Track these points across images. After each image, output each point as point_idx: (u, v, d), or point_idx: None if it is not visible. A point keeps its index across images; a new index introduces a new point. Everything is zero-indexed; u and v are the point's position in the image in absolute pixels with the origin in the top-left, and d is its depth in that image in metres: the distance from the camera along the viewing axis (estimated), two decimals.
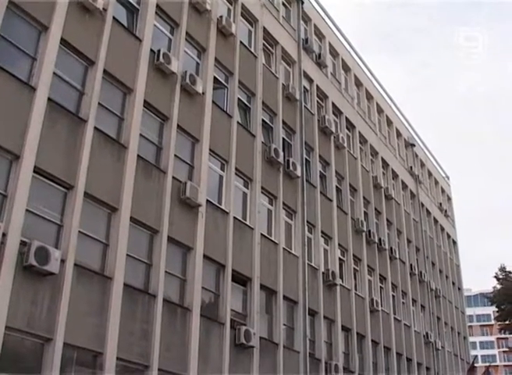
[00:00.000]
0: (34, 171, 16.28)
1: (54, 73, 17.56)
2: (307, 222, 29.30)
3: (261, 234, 25.52)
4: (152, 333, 18.76)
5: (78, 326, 16.42)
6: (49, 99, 17.11)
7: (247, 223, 25.00)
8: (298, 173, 28.86)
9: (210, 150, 23.50)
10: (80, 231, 17.15)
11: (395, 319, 37.57)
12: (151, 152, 21.05)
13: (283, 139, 29.27)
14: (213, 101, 24.33)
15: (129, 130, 19.79)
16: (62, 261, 16.21)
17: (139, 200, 19.39)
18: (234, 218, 23.97)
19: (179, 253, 21.21)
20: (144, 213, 19.59)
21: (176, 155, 21.70)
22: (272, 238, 26.49)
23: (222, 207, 23.64)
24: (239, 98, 26.48)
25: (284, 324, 26.06)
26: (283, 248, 26.89)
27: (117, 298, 17.76)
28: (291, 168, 28.30)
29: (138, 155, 19.85)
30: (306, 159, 30.70)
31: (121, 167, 19.14)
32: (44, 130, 16.69)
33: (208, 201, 22.56)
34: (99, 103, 18.88)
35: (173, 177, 21.12)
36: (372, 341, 33.83)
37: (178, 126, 22.06)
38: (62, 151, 17.34)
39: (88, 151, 17.86)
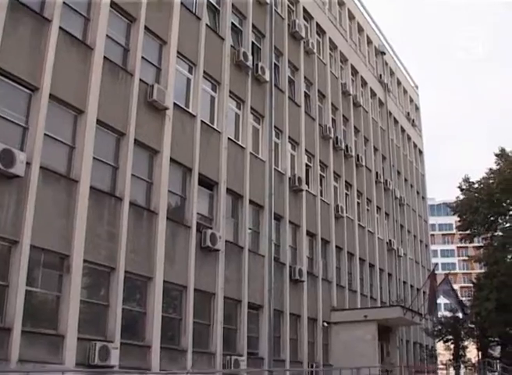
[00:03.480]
0: None
1: None
2: (275, 127, 29.28)
3: (229, 138, 25.50)
4: (119, 236, 18.91)
5: (44, 229, 16.47)
6: None
7: (215, 126, 24.91)
8: (267, 77, 28.63)
9: (178, 52, 23.13)
10: (45, 134, 16.93)
11: (359, 225, 38.20)
12: (118, 54, 20.64)
13: (252, 43, 28.88)
14: (181, 3, 23.76)
15: (95, 30, 19.30)
16: (28, 164, 16.09)
17: (105, 102, 19.13)
18: (201, 121, 23.86)
19: (145, 156, 21.15)
20: (110, 116, 19.38)
21: (143, 57, 21.34)
22: (240, 143, 26.49)
23: (190, 110, 23.48)
24: (208, 0, 25.90)
25: (250, 228, 26.39)
26: (250, 153, 26.95)
27: (83, 201, 17.76)
28: (260, 72, 28.06)
29: (105, 57, 19.46)
30: (275, 64, 30.41)
31: (87, 69, 18.77)
32: (7, 30, 16.13)
33: (175, 104, 22.37)
34: (64, 2, 18.24)
35: (140, 80, 20.82)
36: (336, 246, 34.45)
37: (145, 27, 21.59)
38: (26, 52, 16.90)
39: (53, 52, 17.42)
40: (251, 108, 27.67)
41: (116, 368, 17.76)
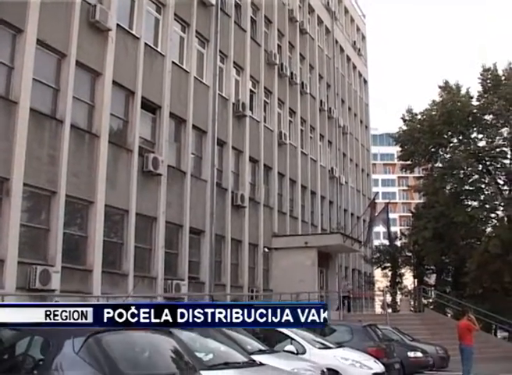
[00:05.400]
0: None
1: None
2: (220, 52, 28.93)
3: (173, 62, 25.13)
4: (60, 159, 18.64)
5: None
6: None
7: (159, 49, 24.48)
8: (213, 0, 28.07)
9: None
10: None
11: (302, 152, 38.32)
12: None
13: None
14: None
15: None
16: None
17: (46, 22, 18.49)
18: (145, 44, 23.41)
19: (87, 78, 20.73)
20: (51, 36, 18.80)
21: None
22: (184, 67, 26.13)
23: (133, 32, 22.98)
24: None
25: (192, 153, 26.31)
26: (194, 77, 26.64)
27: (23, 124, 17.38)
28: None
29: None
30: None
31: None
32: None
33: (118, 25, 21.83)
34: None
35: None
36: (279, 173, 34.61)
37: None
38: None
39: None
40: (196, 31, 27.22)
41: (57, 292, 17.80)
